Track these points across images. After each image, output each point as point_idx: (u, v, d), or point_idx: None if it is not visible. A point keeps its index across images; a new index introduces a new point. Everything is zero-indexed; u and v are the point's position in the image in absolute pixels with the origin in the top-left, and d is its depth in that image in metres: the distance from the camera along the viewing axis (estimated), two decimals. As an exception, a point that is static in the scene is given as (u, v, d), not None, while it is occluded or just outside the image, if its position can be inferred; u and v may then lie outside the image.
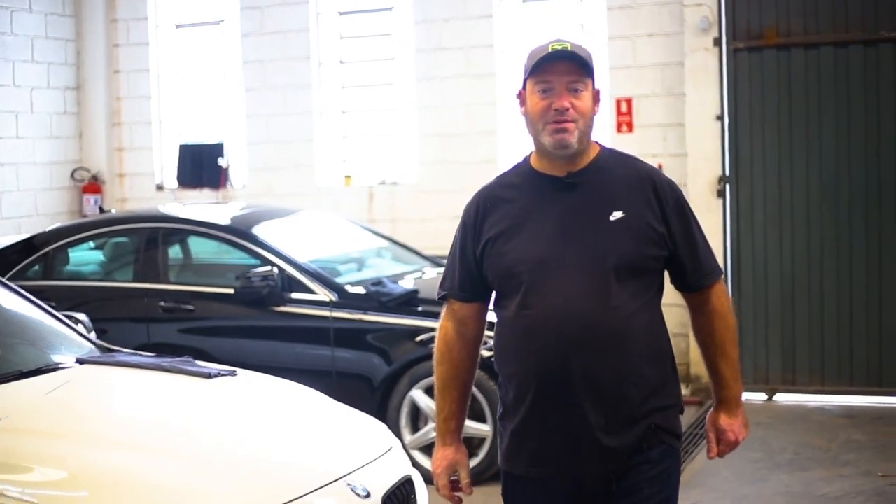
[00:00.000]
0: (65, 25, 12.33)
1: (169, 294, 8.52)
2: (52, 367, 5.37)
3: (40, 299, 8.42)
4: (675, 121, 10.26)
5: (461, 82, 11.13)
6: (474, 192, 3.87)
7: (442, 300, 3.94)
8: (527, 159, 3.83)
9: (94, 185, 12.42)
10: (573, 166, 3.69)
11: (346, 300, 8.08)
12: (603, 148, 3.80)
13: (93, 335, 6.20)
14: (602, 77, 10.66)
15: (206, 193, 12.16)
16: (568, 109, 3.59)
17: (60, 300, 8.59)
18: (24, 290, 8.55)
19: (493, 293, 3.80)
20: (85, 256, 9.44)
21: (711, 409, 3.93)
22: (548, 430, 3.63)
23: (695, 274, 3.76)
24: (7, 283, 6.25)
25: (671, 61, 10.28)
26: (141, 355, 5.78)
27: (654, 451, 3.65)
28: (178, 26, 12.59)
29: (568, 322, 3.55)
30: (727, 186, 9.99)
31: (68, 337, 5.88)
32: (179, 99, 12.61)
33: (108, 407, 5.02)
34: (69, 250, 9.24)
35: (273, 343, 8.27)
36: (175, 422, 4.82)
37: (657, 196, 3.68)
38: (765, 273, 9.89)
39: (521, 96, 3.78)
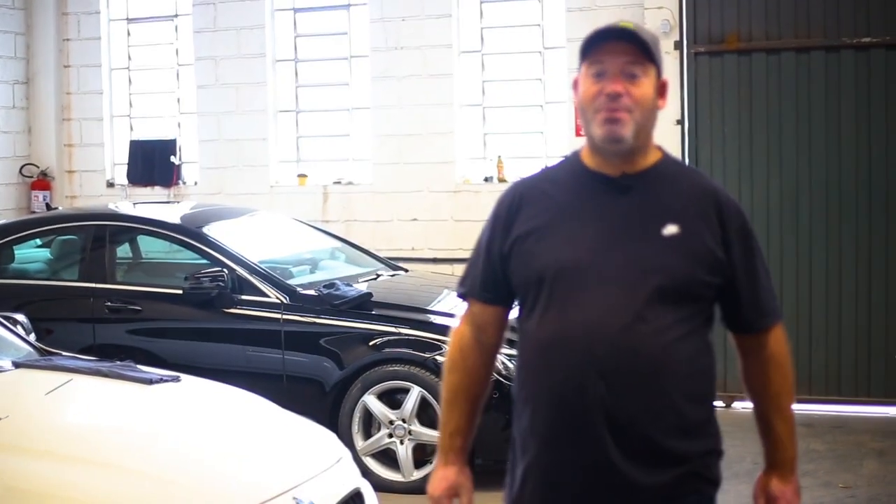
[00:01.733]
0: (14, 19, 12.09)
1: (115, 294, 8.30)
2: (-12, 371, 5.16)
3: (-18, 298, 8.36)
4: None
5: (418, 82, 10.97)
6: (511, 183, 3.47)
7: (461, 299, 3.52)
8: (577, 153, 3.36)
9: (43, 182, 12.17)
10: (629, 167, 3.22)
11: (297, 302, 7.89)
12: (666, 154, 3.36)
13: (32, 337, 6.00)
14: (561, 80, 10.54)
15: (158, 191, 11.96)
16: (621, 96, 3.12)
17: (4, 299, 8.41)
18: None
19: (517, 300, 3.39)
20: (31, 254, 9.22)
21: (761, 472, 3.43)
22: (562, 463, 3.20)
23: (751, 312, 3.29)
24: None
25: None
26: (80, 359, 5.57)
27: (690, 499, 3.21)
28: (130, 20, 12.36)
29: (596, 341, 3.10)
30: (686, 192, 9.84)
31: (5, 339, 5.66)
32: (131, 95, 12.39)
33: (39, 414, 4.79)
34: (14, 248, 9.01)
35: (222, 345, 8.05)
36: (110, 431, 4.62)
37: (720, 217, 3.22)
38: (725, 280, 9.75)
39: (576, 83, 3.30)
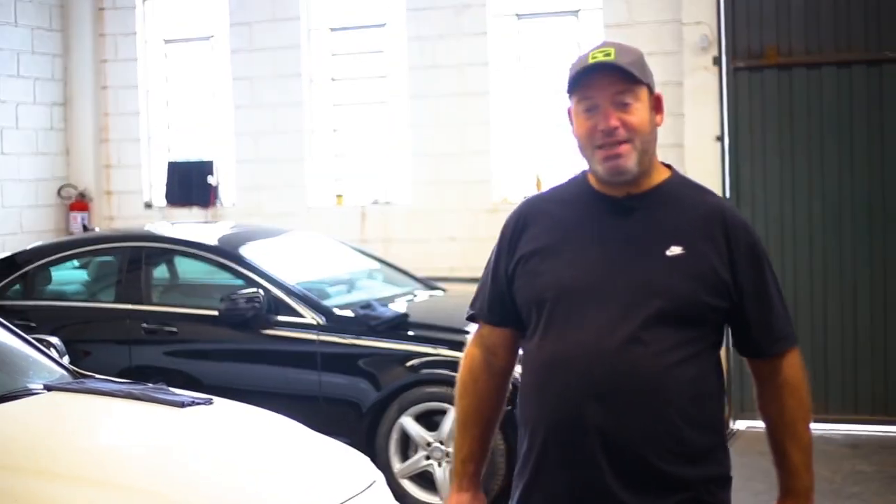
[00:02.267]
0: (52, 40, 12.11)
1: (152, 315, 8.27)
2: (18, 394, 5.10)
3: (20, 320, 8.34)
4: (674, 141, 10.01)
5: (455, 100, 10.90)
6: (517, 204, 3.43)
7: (470, 321, 3.48)
8: (585, 173, 3.33)
9: (81, 203, 12.17)
10: (634, 188, 3.20)
11: (333, 323, 7.81)
12: (675, 173, 3.32)
13: (65, 360, 5.94)
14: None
15: (196, 212, 11.92)
16: (617, 129, 3.10)
17: (41, 321, 8.41)
18: (4, 310, 8.48)
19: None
20: (67, 276, 9.19)
21: (776, 501, 3.31)
22: (558, 486, 3.15)
23: (764, 337, 3.21)
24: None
25: (670, 80, 10.03)
26: (113, 382, 5.50)
27: None
28: (166, 41, 12.36)
29: (594, 364, 3.05)
30: (727, 209, 9.71)
31: (38, 362, 5.61)
32: (168, 115, 12.38)
33: (71, 438, 4.73)
34: (51, 269, 9.00)
35: (258, 367, 8.00)
36: (141, 455, 4.54)
37: (726, 237, 3.15)
38: (766, 298, 9.59)
39: (569, 116, 3.27)
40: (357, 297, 8.59)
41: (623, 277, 3.11)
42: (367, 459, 5.12)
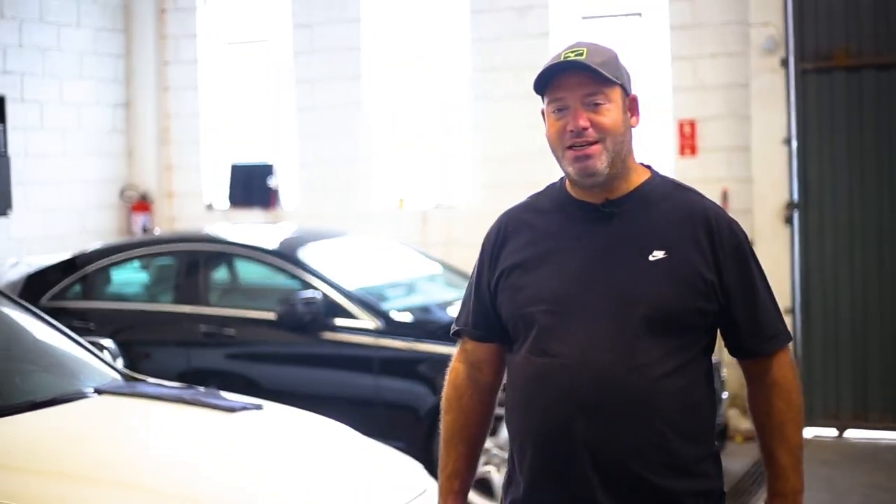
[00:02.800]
0: (114, 41, 12.11)
1: (209, 318, 8.22)
2: (68, 398, 5.04)
3: (79, 321, 8.35)
4: (741, 144, 9.84)
5: (517, 103, 10.75)
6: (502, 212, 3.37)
7: (455, 336, 3.41)
8: (563, 180, 3.27)
9: (142, 204, 12.17)
10: (612, 193, 3.13)
11: (391, 327, 7.72)
12: (655, 174, 3.24)
13: (119, 362, 5.91)
14: (664, 98, 10.29)
15: (257, 214, 11.87)
16: (586, 129, 3.04)
17: (100, 323, 8.41)
18: (64, 311, 8.49)
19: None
20: (127, 278, 9.18)
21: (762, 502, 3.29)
22: (548, 501, 3.07)
23: (752, 337, 3.13)
24: (29, 306, 5.93)
25: (736, 82, 9.87)
26: (164, 386, 5.44)
27: None
28: (228, 43, 12.33)
29: (579, 377, 2.98)
30: (795, 213, 9.53)
31: (90, 365, 5.56)
32: (229, 117, 12.34)
33: (118, 443, 4.65)
34: (111, 271, 8.99)
35: (315, 371, 7.94)
36: (189, 461, 4.46)
37: (710, 237, 3.08)
38: (835, 304, 9.40)
39: (543, 115, 3.20)
40: (417, 300, 8.50)
41: (606, 287, 3.05)
42: (419, 466, 5.04)
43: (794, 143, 9.52)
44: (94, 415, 4.93)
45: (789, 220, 9.52)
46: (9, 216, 10.28)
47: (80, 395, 5.10)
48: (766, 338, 3.14)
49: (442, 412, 3.39)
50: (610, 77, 3.09)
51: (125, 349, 8.26)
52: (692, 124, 10.09)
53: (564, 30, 10.81)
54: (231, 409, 5.02)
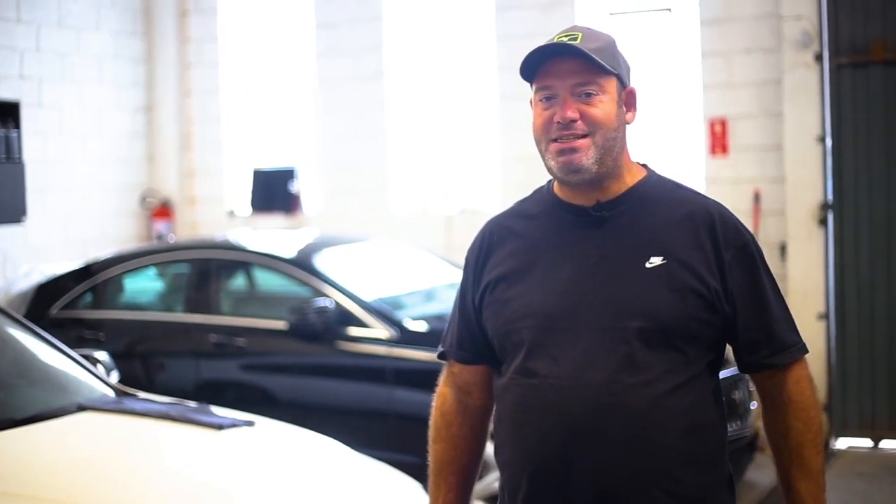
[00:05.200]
0: (135, 45, 11.90)
1: (220, 328, 7.99)
2: (50, 414, 4.79)
3: (89, 331, 8.14)
4: (773, 142, 9.50)
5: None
6: (481, 227, 3.08)
7: (441, 359, 3.14)
8: (551, 183, 2.98)
9: (163, 210, 11.95)
10: (603, 194, 2.85)
11: (406, 336, 7.44)
12: (651, 173, 2.95)
13: (113, 376, 5.66)
14: (694, 96, 9.97)
15: (279, 220, 11.63)
16: (575, 121, 2.76)
17: (110, 333, 8.23)
18: (74, 321, 8.29)
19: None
20: (140, 286, 8.96)
21: None
22: None
23: (763, 348, 2.83)
24: (20, 318, 5.70)
25: (769, 78, 9.53)
26: (152, 401, 5.18)
27: None
28: (249, 46, 12.09)
29: (574, 399, 2.70)
30: (830, 214, 9.18)
31: (80, 380, 5.32)
32: (251, 121, 12.12)
33: (92, 464, 4.37)
34: (124, 280, 8.78)
35: (327, 381, 7.69)
36: (166, 482, 4.19)
37: (713, 239, 2.79)
38: (871, 309, 9.03)
39: (532, 104, 2.93)
40: (434, 308, 8.22)
41: (599, 298, 2.75)
42: (417, 485, 4.76)
43: (829, 141, 9.16)
44: (73, 433, 4.67)
45: (823, 222, 9.16)
46: (24, 223, 10.09)
47: (62, 412, 4.85)
48: (778, 348, 2.84)
49: (430, 441, 3.12)
50: (605, 65, 2.80)
51: (137, 361, 8.08)
52: (723, 123, 9.75)
53: (594, 25, 10.49)
54: (219, 427, 4.76)
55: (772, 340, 2.84)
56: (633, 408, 2.69)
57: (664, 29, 10.34)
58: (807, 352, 2.92)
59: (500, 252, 2.95)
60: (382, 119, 11.19)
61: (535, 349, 2.79)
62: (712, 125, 9.80)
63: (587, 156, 2.78)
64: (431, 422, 3.12)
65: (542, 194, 2.99)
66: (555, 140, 2.80)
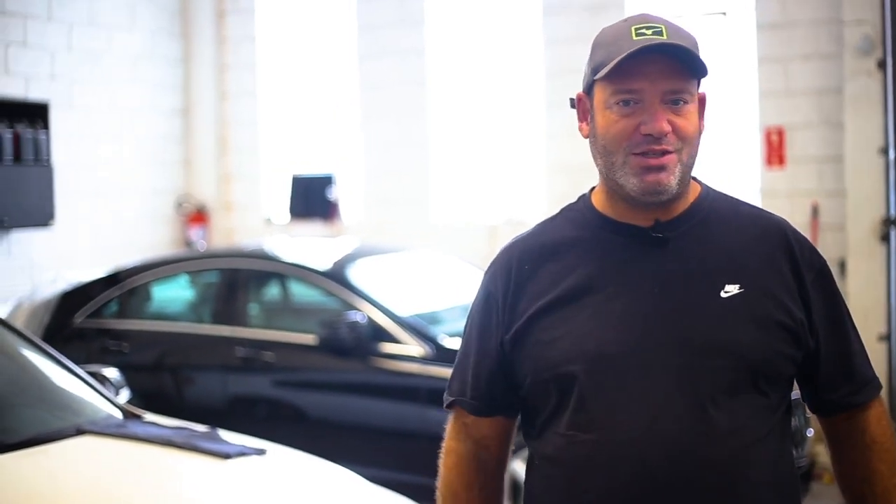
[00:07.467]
0: (171, 45, 11.58)
1: (247, 342, 7.62)
2: (45, 438, 4.45)
3: (113, 341, 7.82)
4: (833, 154, 9.05)
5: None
6: (503, 246, 2.60)
7: (449, 409, 2.67)
8: (587, 198, 2.56)
9: (199, 216, 11.61)
10: (664, 213, 2.43)
11: (441, 354, 7.02)
12: (705, 187, 2.53)
13: (123, 395, 5.30)
14: (750, 104, 9.54)
15: (318, 227, 11.27)
16: (667, 134, 2.34)
17: (135, 344, 7.92)
18: (98, 330, 7.96)
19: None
20: (168, 295, 8.62)
21: None
22: None
23: (844, 386, 2.47)
24: (25, 332, 5.35)
25: (828, 86, 9.08)
26: (157, 426, 4.79)
27: None
28: (288, 48, 11.74)
29: (648, 452, 2.27)
30: (892, 230, 8.72)
31: (85, 400, 4.97)
32: (289, 125, 11.77)
33: (81, 496, 4.01)
34: (151, 288, 8.44)
35: (358, 399, 7.31)
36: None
37: (792, 262, 2.42)
38: (936, 331, 8.60)
39: (582, 105, 2.49)
40: (472, 323, 7.81)
41: (668, 334, 2.32)
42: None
43: (892, 153, 8.68)
44: (67, 459, 4.31)
45: (886, 238, 8.71)
46: (52, 228, 9.80)
47: (58, 436, 4.50)
48: (859, 386, 2.49)
49: None
50: (705, 67, 2.39)
51: (163, 374, 7.77)
52: (780, 132, 9.31)
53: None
54: (226, 455, 4.38)
55: (853, 377, 2.49)
56: (719, 462, 2.29)
57: (719, 33, 9.92)
58: (882, 388, 2.55)
59: (535, 283, 2.47)
60: (425, 125, 10.82)
61: (592, 397, 2.35)
62: (769, 135, 9.35)
63: (673, 175, 2.38)
64: (443, 483, 2.63)
65: (580, 212, 2.55)
66: (640, 154, 2.37)
